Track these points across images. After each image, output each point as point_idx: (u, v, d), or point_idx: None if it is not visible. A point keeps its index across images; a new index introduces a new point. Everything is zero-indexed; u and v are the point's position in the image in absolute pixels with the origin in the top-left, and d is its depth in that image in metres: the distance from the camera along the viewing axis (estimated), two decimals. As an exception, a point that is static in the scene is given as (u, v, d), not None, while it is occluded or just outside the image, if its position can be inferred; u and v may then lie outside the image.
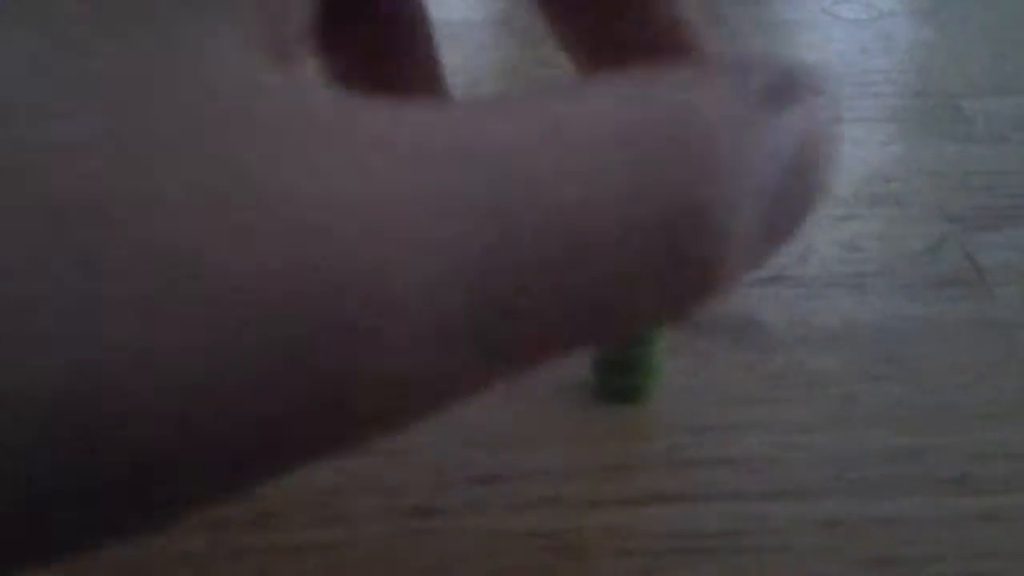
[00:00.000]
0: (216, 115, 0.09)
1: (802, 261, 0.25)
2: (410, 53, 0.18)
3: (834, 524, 0.18)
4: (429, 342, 0.10)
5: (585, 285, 0.11)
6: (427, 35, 0.18)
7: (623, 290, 0.11)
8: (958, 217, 0.26)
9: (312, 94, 0.10)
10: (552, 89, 0.11)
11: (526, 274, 0.10)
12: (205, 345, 0.08)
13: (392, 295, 0.09)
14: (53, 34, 0.09)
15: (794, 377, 0.21)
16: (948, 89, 0.33)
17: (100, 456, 0.08)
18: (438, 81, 0.17)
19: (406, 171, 0.10)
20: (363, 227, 0.09)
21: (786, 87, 0.12)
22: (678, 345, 0.22)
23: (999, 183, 0.28)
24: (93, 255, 0.08)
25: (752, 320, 0.23)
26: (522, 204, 0.10)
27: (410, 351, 0.10)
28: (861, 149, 0.29)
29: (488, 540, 0.18)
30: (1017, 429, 0.20)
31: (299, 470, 0.10)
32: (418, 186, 0.10)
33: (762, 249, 0.12)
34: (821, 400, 0.21)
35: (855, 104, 0.32)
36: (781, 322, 0.23)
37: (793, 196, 0.12)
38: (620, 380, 0.20)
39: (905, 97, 0.32)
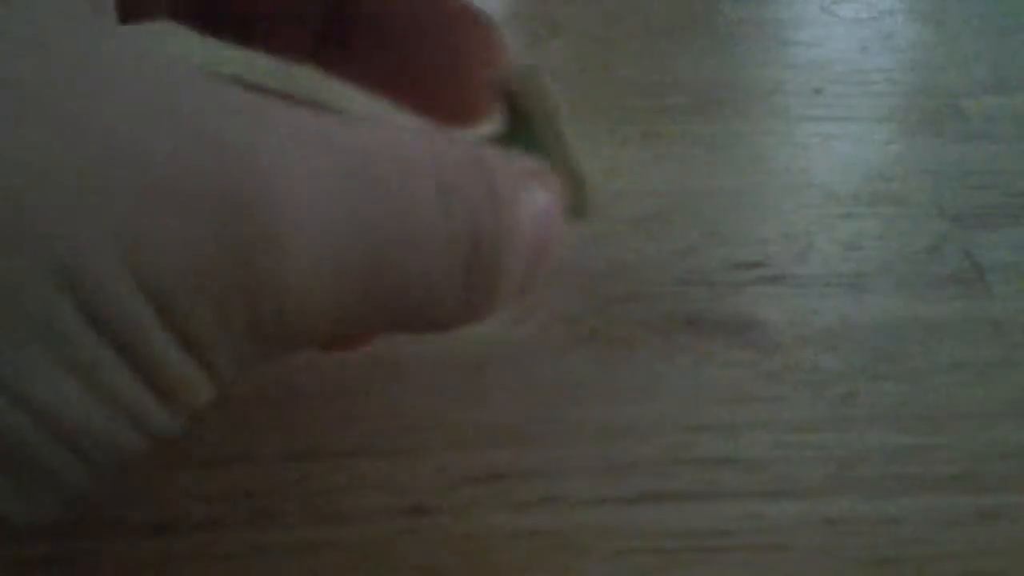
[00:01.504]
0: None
1: (801, 260, 0.25)
2: None
3: (834, 523, 0.18)
4: (326, 272, 0.13)
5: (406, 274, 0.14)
6: None
7: (428, 284, 0.14)
8: (958, 216, 0.26)
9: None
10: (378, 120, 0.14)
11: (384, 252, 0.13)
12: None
13: (296, 218, 0.12)
14: None
15: (793, 376, 0.21)
16: (948, 88, 0.32)
17: None
18: None
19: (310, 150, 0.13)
20: (280, 163, 0.12)
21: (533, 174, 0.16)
22: (677, 344, 0.22)
23: (999, 182, 0.28)
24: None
25: (751, 319, 0.23)
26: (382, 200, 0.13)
27: (308, 273, 0.13)
28: (860, 148, 0.29)
29: (487, 539, 0.18)
30: (1018, 428, 0.20)
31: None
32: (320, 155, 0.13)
33: (516, 294, 0.16)
34: (821, 399, 0.21)
35: (854, 103, 0.32)
36: (780, 321, 0.23)
37: (536, 261, 0.16)
38: None
39: (905, 96, 0.32)
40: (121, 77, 0.12)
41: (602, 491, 0.19)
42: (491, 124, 0.18)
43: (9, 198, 0.11)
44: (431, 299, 0.14)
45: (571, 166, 0.18)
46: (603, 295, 0.24)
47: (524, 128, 0.18)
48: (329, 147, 0.13)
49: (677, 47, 0.36)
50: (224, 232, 0.12)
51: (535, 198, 0.15)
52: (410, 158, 0.14)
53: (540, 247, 0.16)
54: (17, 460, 0.12)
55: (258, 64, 0.19)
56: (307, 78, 0.20)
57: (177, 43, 0.17)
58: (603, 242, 0.25)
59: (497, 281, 0.15)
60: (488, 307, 0.15)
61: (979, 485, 0.19)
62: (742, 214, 0.26)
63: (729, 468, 0.19)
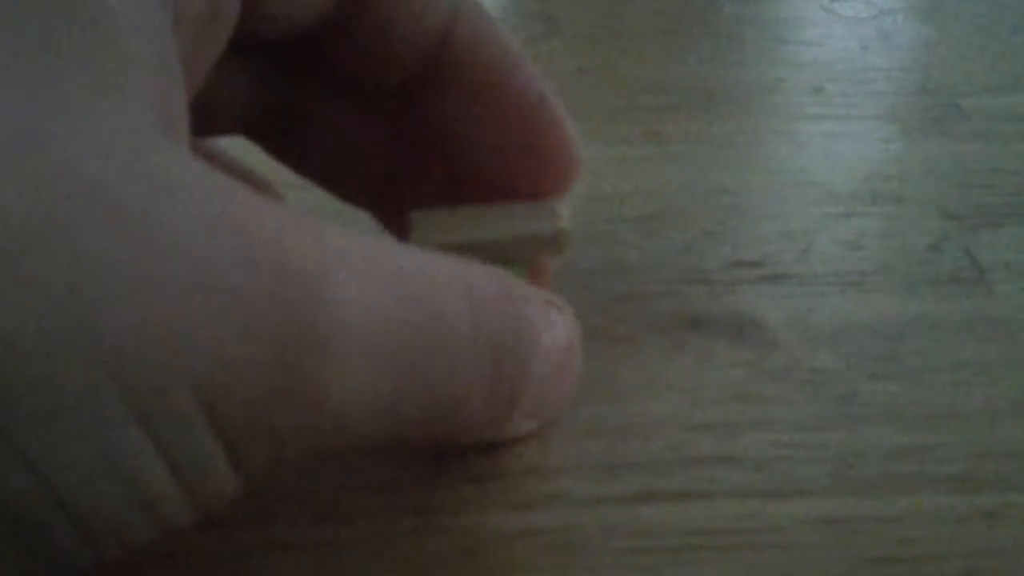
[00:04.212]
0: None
1: (802, 259, 0.25)
2: None
3: (834, 522, 0.18)
4: (366, 381, 0.14)
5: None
6: None
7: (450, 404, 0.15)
8: (958, 215, 0.26)
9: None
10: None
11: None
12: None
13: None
14: None
15: (794, 375, 0.21)
16: (948, 87, 0.33)
17: None
18: None
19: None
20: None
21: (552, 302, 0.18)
22: (677, 343, 0.22)
23: (999, 181, 0.28)
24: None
25: (751, 318, 0.23)
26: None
27: (350, 381, 0.13)
28: (860, 147, 0.29)
29: (487, 538, 0.18)
30: (1018, 427, 0.20)
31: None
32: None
33: (534, 417, 0.18)
34: (821, 398, 0.21)
35: (854, 102, 0.32)
36: (781, 320, 0.23)
37: (554, 386, 0.18)
38: None
39: (905, 95, 0.32)
40: (191, 191, 0.13)
41: (602, 490, 0.19)
42: None
43: (70, 293, 0.11)
44: (456, 412, 0.16)
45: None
46: (603, 294, 0.24)
47: None
48: (377, 266, 0.14)
49: (677, 46, 0.36)
50: (279, 340, 0.13)
51: (556, 325, 0.18)
52: (444, 281, 0.15)
53: (562, 371, 0.18)
54: (29, 533, 0.12)
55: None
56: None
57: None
58: (603, 241, 0.25)
59: (516, 399, 0.17)
60: (507, 423, 0.17)
61: (979, 485, 0.19)
62: (742, 213, 0.26)
63: (729, 467, 0.19)
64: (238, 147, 0.21)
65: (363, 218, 0.22)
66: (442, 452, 0.19)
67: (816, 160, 0.29)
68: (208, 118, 0.17)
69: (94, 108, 0.12)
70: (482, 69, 0.19)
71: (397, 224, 0.21)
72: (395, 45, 0.18)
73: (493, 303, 0.16)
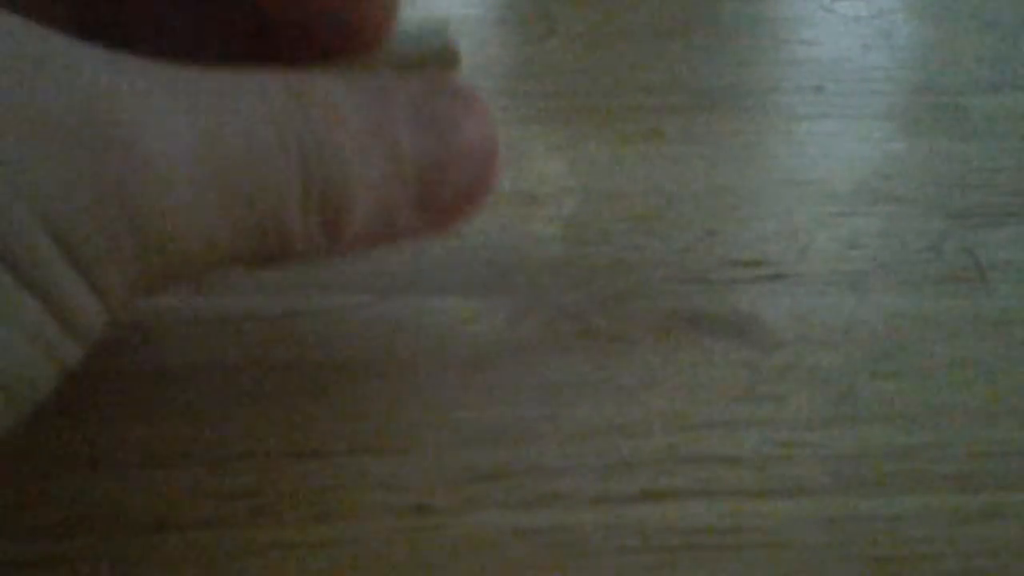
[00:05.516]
0: None
1: (802, 258, 0.25)
2: None
3: (834, 521, 0.18)
4: (193, 193, 0.14)
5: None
6: None
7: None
8: (959, 214, 0.26)
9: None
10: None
11: None
12: None
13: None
14: None
15: (794, 374, 0.21)
16: (948, 86, 0.32)
17: None
18: None
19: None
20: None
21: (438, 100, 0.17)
22: (677, 343, 0.22)
23: (999, 180, 0.28)
24: None
25: (751, 317, 0.23)
26: None
27: (178, 194, 0.14)
28: (861, 146, 0.29)
29: (487, 537, 0.18)
30: (1018, 426, 0.20)
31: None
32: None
33: (416, 221, 0.18)
34: (821, 397, 0.21)
35: (854, 101, 0.32)
36: (781, 319, 0.23)
37: (462, 180, 0.18)
38: None
39: (905, 94, 0.32)
40: (8, 34, 0.13)
41: (602, 489, 0.19)
42: None
43: None
44: (282, 222, 0.16)
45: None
46: (603, 293, 0.24)
47: None
48: (187, 86, 0.15)
49: (677, 45, 0.35)
50: (110, 164, 0.14)
51: (462, 125, 0.17)
52: (246, 93, 0.15)
53: (473, 165, 0.18)
54: None
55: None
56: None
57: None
58: (603, 240, 0.25)
59: (339, 203, 0.16)
60: (339, 233, 0.17)
61: (980, 484, 0.19)
62: (742, 212, 0.26)
63: (729, 466, 0.19)
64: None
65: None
66: (442, 451, 0.19)
67: (816, 159, 0.29)
68: None
69: None
70: None
71: None
72: None
73: (292, 108, 0.16)
